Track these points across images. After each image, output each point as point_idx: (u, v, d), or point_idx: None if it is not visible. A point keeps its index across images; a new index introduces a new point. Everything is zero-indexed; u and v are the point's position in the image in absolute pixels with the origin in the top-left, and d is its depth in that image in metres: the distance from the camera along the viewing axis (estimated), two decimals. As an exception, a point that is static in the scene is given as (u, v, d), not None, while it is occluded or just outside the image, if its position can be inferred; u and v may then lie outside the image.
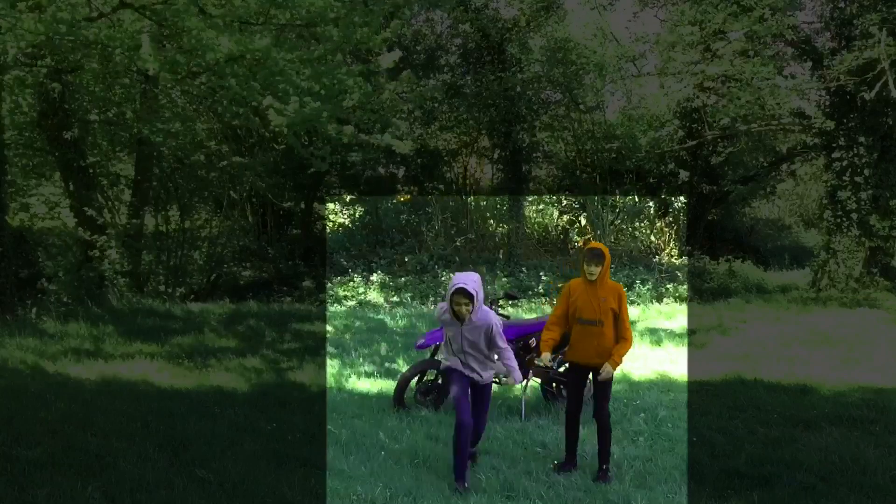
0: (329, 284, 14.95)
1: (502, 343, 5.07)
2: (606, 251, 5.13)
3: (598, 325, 5.07)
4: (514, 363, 5.15)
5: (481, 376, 5.11)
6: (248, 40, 6.44)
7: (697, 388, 7.67)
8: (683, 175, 18.12)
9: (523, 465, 5.28)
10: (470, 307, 4.83)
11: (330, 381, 7.62)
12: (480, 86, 16.95)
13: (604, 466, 5.13)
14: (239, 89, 6.92)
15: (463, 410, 4.94)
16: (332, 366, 8.25)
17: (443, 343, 5.30)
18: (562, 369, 6.67)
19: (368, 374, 8.03)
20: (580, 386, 5.35)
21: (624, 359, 5.19)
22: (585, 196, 18.64)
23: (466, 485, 4.79)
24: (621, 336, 5.09)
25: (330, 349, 9.07)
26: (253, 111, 8.93)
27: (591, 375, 5.26)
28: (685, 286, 15.09)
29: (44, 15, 6.06)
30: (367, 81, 7.84)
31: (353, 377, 7.90)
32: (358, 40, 7.05)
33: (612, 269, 15.34)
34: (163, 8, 6.74)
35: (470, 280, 4.85)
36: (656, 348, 9.99)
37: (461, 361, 5.08)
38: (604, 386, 5.16)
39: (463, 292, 4.82)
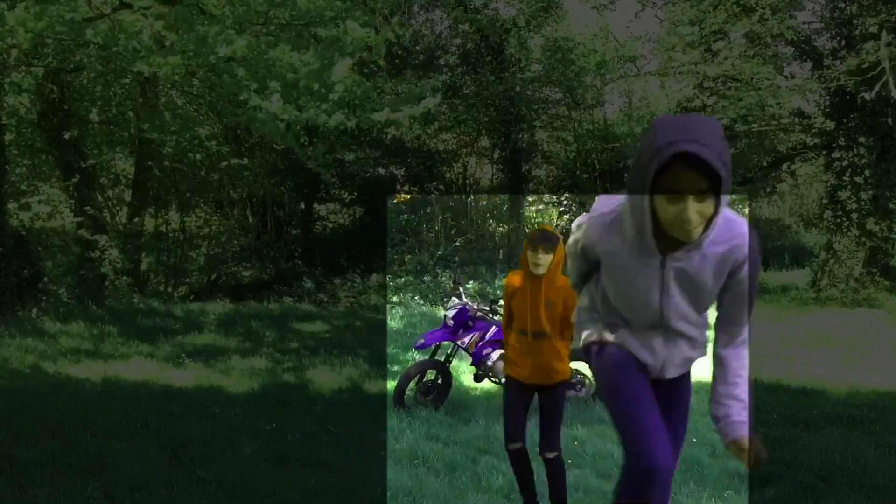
0: (330, 285, 14.96)
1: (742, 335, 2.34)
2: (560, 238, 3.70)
3: (542, 337, 3.84)
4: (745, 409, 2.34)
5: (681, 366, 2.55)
6: (247, 41, 6.42)
7: (697, 388, 7.66)
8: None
9: (523, 465, 5.27)
10: (712, 210, 2.02)
11: (331, 381, 7.62)
12: (480, 86, 16.94)
13: None
14: (235, 88, 6.90)
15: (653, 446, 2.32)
16: (332, 366, 8.25)
17: (583, 306, 2.67)
18: None
19: (369, 375, 8.03)
20: (520, 410, 4.00)
21: None
22: (585, 196, 18.61)
23: None
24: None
25: (330, 349, 9.05)
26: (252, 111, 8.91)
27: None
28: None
29: (43, 6, 6.04)
30: (367, 80, 7.83)
31: (354, 377, 7.89)
32: (357, 41, 7.02)
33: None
34: (163, 10, 6.73)
35: (707, 130, 1.94)
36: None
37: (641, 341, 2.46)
38: (551, 413, 3.91)
39: (695, 162, 1.93)
